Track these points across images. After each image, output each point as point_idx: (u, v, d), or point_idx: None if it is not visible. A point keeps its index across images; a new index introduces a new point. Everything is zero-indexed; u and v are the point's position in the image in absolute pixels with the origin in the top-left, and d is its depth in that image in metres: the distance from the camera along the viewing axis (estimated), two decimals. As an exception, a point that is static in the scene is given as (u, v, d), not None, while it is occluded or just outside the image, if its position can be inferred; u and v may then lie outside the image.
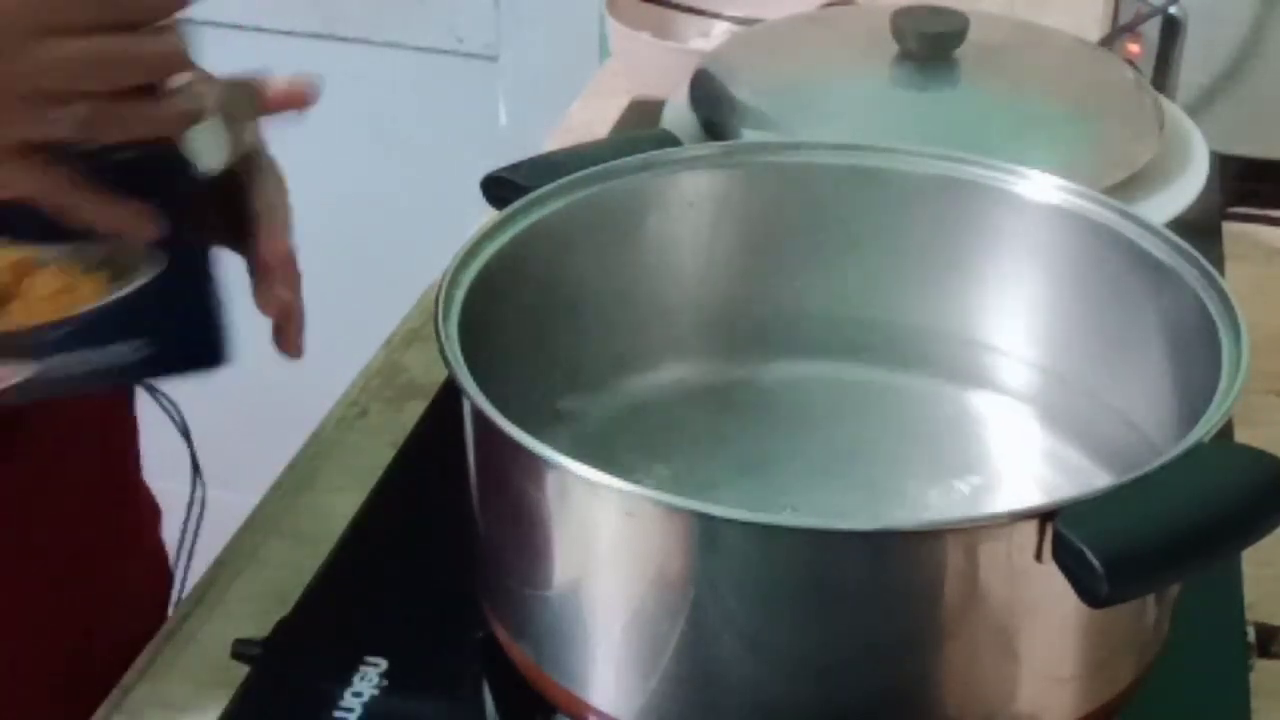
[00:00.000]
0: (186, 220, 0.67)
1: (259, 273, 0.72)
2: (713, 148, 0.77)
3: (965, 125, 0.88)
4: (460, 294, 0.64)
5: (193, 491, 0.90)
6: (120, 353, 0.69)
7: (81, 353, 0.68)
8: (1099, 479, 0.70)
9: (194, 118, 0.65)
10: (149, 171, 0.65)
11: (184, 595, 0.82)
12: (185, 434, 0.88)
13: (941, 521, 0.59)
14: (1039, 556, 0.53)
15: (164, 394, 0.87)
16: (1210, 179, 0.90)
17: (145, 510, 0.93)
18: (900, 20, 0.91)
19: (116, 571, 0.88)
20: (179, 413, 0.88)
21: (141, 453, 0.92)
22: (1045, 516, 0.53)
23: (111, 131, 0.62)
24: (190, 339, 0.70)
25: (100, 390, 0.70)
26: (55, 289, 0.67)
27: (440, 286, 0.64)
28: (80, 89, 0.61)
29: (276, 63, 0.72)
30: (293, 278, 0.72)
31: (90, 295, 0.68)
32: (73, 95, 0.61)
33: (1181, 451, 0.55)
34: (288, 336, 0.72)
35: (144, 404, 0.89)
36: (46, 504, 0.82)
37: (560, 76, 1.63)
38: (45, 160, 0.62)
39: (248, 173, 0.71)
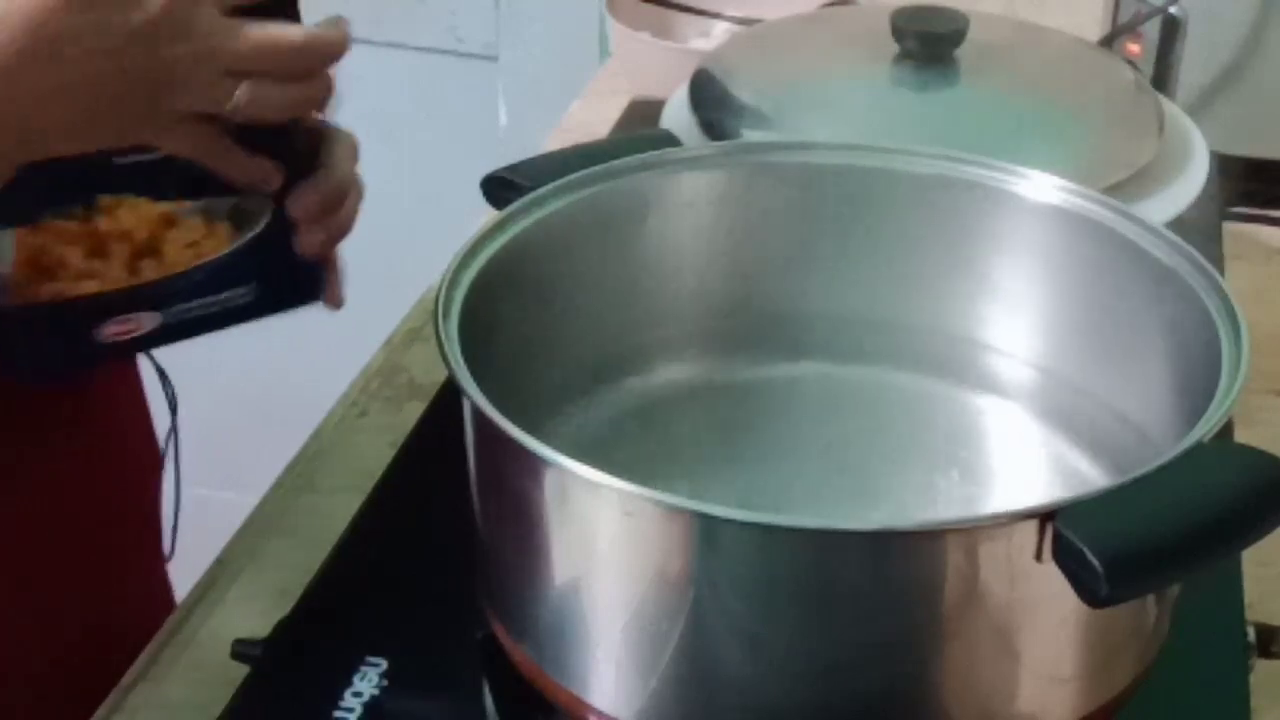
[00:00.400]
0: (290, 171, 0.72)
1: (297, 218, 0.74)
2: (713, 148, 0.77)
3: (965, 125, 0.88)
4: (460, 294, 0.64)
5: (172, 416, 0.91)
6: (234, 296, 0.74)
7: (204, 299, 0.73)
8: (1099, 479, 0.70)
9: (327, 101, 0.71)
10: (269, 129, 0.69)
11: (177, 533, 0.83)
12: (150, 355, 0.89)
13: (941, 521, 0.59)
14: (1039, 556, 0.53)
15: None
16: (1210, 179, 0.89)
17: (149, 470, 0.94)
18: (900, 20, 0.91)
19: (114, 533, 0.89)
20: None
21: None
22: (1045, 516, 0.53)
23: (270, 110, 0.67)
24: (292, 279, 0.75)
25: (212, 332, 0.74)
26: (190, 240, 0.72)
27: (440, 286, 0.64)
28: (257, 69, 0.66)
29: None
30: (333, 227, 0.74)
31: (219, 244, 0.72)
32: (250, 74, 0.66)
33: (1181, 451, 0.55)
34: (328, 286, 0.75)
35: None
36: (70, 466, 0.84)
37: (560, 76, 1.63)
38: (211, 125, 0.67)
39: (317, 136, 0.74)
